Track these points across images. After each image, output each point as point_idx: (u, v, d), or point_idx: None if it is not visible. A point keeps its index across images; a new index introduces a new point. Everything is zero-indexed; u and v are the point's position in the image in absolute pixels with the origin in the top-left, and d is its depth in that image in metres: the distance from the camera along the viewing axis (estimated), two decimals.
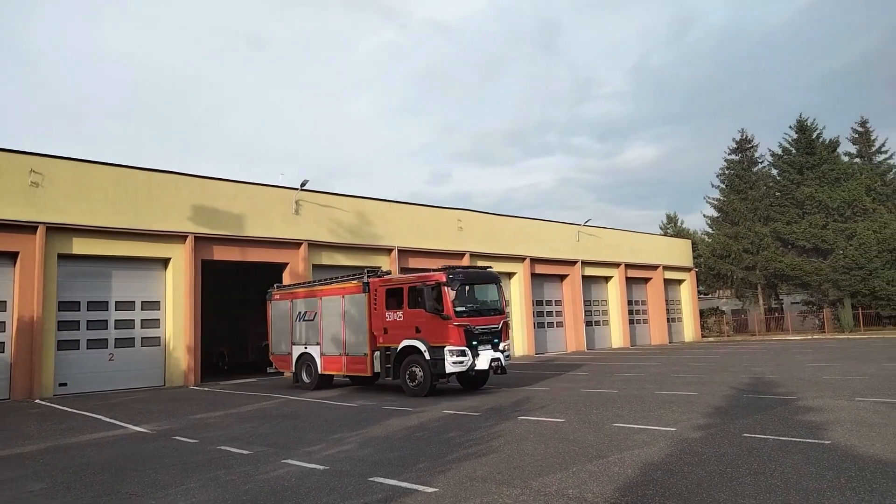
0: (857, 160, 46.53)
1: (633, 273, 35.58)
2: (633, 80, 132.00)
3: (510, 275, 29.29)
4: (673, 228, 63.75)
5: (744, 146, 47.99)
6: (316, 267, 23.27)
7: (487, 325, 14.69)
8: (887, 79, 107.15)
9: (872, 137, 47.20)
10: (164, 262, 20.14)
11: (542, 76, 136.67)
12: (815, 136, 43.82)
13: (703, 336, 40.80)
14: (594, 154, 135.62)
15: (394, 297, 15.56)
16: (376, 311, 15.71)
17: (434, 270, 15.32)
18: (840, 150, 44.80)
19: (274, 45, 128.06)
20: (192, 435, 10.19)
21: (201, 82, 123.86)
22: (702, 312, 42.89)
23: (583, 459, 7.12)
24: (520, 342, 28.58)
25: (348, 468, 7.26)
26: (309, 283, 18.89)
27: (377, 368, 15.48)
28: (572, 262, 31.97)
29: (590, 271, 33.03)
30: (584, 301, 32.44)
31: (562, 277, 32.13)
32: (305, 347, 17.54)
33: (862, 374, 14.81)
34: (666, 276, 37.71)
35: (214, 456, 8.36)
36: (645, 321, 37.02)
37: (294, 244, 22.74)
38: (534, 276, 30.08)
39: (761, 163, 47.67)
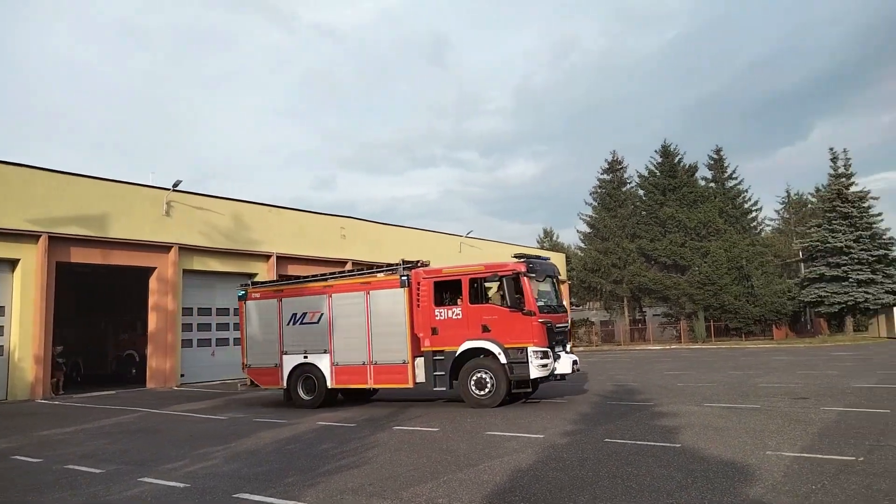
0: (713, 185, 50.89)
1: None
2: (516, 99, 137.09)
3: None
4: (549, 242, 66.57)
5: (615, 167, 51.11)
6: (187, 272, 22.12)
7: (562, 324, 13.50)
8: (739, 112, 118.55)
9: (726, 164, 51.85)
10: (12, 263, 18.30)
11: (430, 88, 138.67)
12: (676, 160, 47.59)
13: (574, 346, 42.83)
14: (478, 168, 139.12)
15: (447, 291, 13.51)
16: (420, 308, 13.32)
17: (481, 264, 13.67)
18: (698, 174, 48.94)
19: (151, 37, 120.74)
20: (35, 453, 9.30)
21: (64, 69, 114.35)
22: (574, 323, 45.07)
23: (454, 468, 7.23)
24: None
25: (212, 485, 6.91)
26: (308, 277, 15.57)
27: (420, 378, 13.08)
28: None
29: None
30: None
31: None
32: (305, 357, 14.35)
33: (710, 381, 16.12)
34: None
35: (61, 476, 7.67)
36: None
37: (163, 247, 21.47)
38: None
39: (630, 183, 50.99)
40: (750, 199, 50.23)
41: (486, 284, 13.25)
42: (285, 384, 14.60)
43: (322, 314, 14.31)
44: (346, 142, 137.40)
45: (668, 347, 38.89)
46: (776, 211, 59.84)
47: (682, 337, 43.22)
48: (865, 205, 40.08)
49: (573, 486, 6.26)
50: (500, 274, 12.92)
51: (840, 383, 14.45)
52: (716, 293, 41.56)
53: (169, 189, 21.78)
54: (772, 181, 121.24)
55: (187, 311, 22.45)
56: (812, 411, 10.47)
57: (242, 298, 15.50)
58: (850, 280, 38.29)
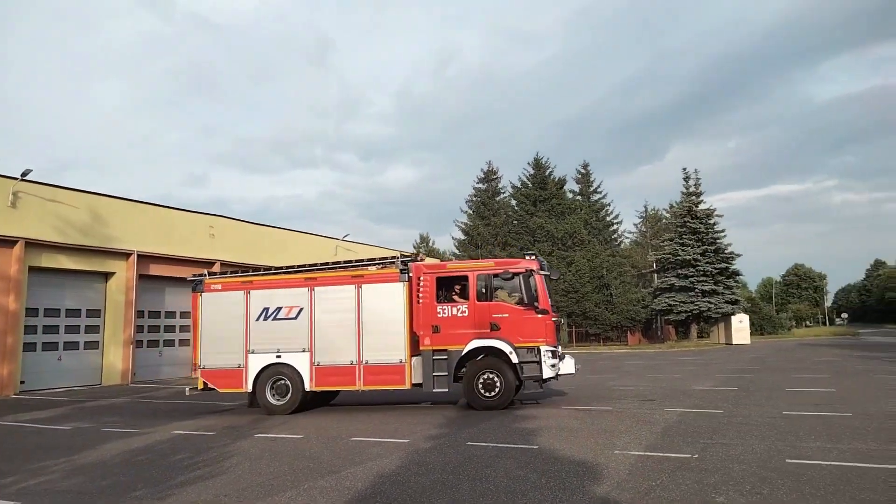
0: (579, 198, 53.82)
1: None
2: (398, 105, 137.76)
3: None
4: (425, 248, 67.36)
5: (490, 177, 52.69)
6: (33, 269, 20.11)
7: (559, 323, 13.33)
8: (605, 131, 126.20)
9: (592, 179, 55.05)
10: None
11: (312, 88, 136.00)
12: (548, 173, 49.90)
13: None
14: (358, 171, 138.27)
15: (451, 287, 13.00)
16: (420, 305, 12.67)
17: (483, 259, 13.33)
18: (566, 187, 51.57)
19: (6, 15, 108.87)
20: None
21: None
22: None
23: (316, 476, 7.10)
24: None
25: (46, 502, 6.32)
26: (284, 269, 13.97)
27: (416, 379, 12.47)
28: None
29: None
30: None
31: None
32: (277, 356, 12.99)
33: (569, 385, 16.97)
34: None
35: None
36: None
37: (7, 242, 19.40)
38: None
39: (504, 193, 52.77)
40: (612, 212, 53.68)
41: (496, 281, 12.76)
42: (250, 387, 13.06)
43: (301, 309, 13.07)
44: (222, 138, 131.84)
45: None
46: (635, 224, 64.45)
47: None
48: (711, 221, 44.06)
49: (434, 490, 6.35)
50: (511, 271, 12.63)
51: (683, 386, 15.75)
52: (578, 300, 43.96)
53: (16, 178, 19.71)
54: (632, 196, 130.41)
55: (32, 312, 20.40)
56: (657, 412, 11.32)
57: (197, 290, 13.65)
58: (696, 290, 41.93)
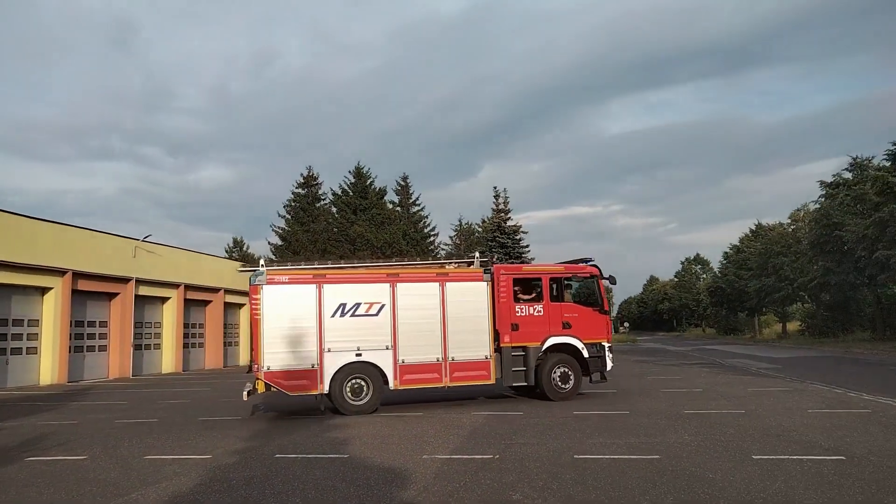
0: (399, 208, 54.74)
1: (193, 295, 34.37)
2: (213, 101, 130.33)
3: (43, 290, 25.07)
4: (239, 253, 64.22)
5: (310, 182, 51.74)
6: None
7: None
8: (425, 145, 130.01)
9: (411, 191, 56.26)
10: None
11: (111, 73, 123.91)
12: (368, 182, 50.17)
13: None
14: (165, 168, 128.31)
15: (525, 289, 13.90)
16: (500, 304, 13.39)
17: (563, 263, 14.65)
18: (387, 198, 52.22)
19: None
20: None
21: None
22: None
23: (99, 501, 6.40)
24: (49, 369, 24.53)
25: None
26: (359, 264, 12.42)
27: (498, 374, 13.19)
28: (125, 280, 29.18)
29: (145, 291, 30.64)
30: (136, 323, 29.85)
31: (111, 296, 28.99)
32: (357, 354, 12.42)
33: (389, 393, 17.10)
34: (227, 300, 37.56)
35: None
36: (201, 345, 36.03)
37: None
38: (76, 292, 26.37)
39: (324, 200, 52.07)
40: (430, 224, 55.28)
41: (566, 284, 14.26)
42: (327, 388, 12.28)
43: (383, 305, 12.70)
44: None
45: None
46: (450, 237, 66.78)
47: None
48: (518, 237, 47.19)
49: None
50: (579, 275, 14.27)
51: (492, 390, 16.56)
52: None
53: None
54: (448, 210, 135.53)
55: None
56: (465, 416, 11.82)
57: (258, 282, 12.24)
58: None
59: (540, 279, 14.00)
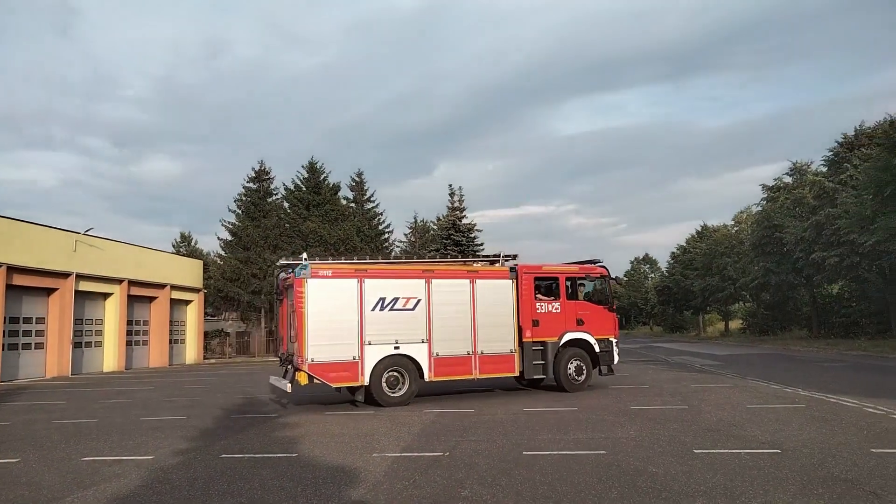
0: (353, 205, 54.24)
1: (137, 291, 33.33)
2: (161, 91, 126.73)
3: None
4: (186, 248, 62.66)
5: (262, 176, 50.74)
6: None
7: None
8: (381, 142, 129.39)
9: (365, 188, 55.79)
10: None
11: (51, 58, 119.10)
12: (322, 178, 49.55)
13: (205, 358, 40.85)
14: (109, 159, 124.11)
15: (545, 287, 14.87)
16: (523, 301, 14.29)
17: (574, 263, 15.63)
18: (341, 194, 51.66)
19: None
20: None
21: None
22: (206, 334, 43.03)
23: None
24: None
25: None
26: (394, 261, 13.94)
27: (520, 367, 14.07)
28: (65, 275, 28.09)
29: (86, 286, 29.56)
30: (76, 319, 28.76)
31: (49, 291, 27.86)
32: (396, 347, 12.91)
33: (326, 392, 16.93)
34: (173, 296, 36.59)
35: None
36: (145, 343, 34.98)
37: None
38: (11, 287, 25.22)
39: (276, 195, 51.15)
40: (384, 221, 54.96)
41: (580, 283, 15.30)
42: (367, 380, 12.64)
43: (419, 300, 13.28)
44: None
45: None
46: (405, 234, 66.59)
47: None
48: (472, 235, 47.32)
49: None
50: (592, 275, 15.29)
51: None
52: None
53: None
54: (403, 207, 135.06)
55: None
56: (416, 414, 11.80)
57: (303, 275, 12.41)
58: None
59: (557, 279, 14.95)
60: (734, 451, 7.91)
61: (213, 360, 41.00)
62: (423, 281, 13.44)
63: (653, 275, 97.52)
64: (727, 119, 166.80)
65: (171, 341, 36.58)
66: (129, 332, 32.77)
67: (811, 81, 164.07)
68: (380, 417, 11.52)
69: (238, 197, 50.19)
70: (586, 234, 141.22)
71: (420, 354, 13.17)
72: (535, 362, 14.21)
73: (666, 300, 69.42)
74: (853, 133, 40.21)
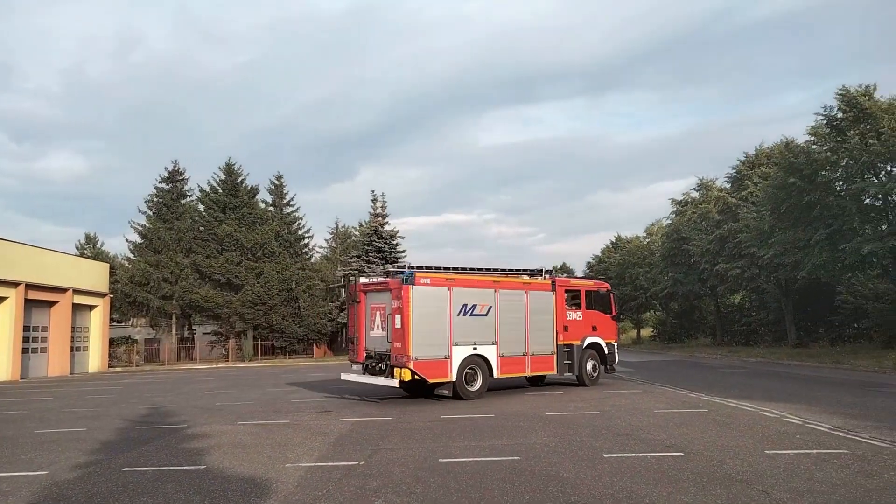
0: (272, 208, 53.01)
1: (35, 295, 31.22)
2: (66, 84, 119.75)
3: None
4: (91, 250, 59.30)
5: (175, 177, 48.76)
6: None
7: None
8: (299, 145, 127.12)
9: (285, 191, 54.61)
10: None
11: None
12: (239, 180, 48.10)
13: (110, 366, 38.68)
14: (7, 154, 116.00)
15: (571, 298, 17.66)
16: (558, 310, 16.83)
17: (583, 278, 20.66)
18: (259, 197, 50.32)
19: None
20: None
21: None
22: (112, 341, 40.77)
23: None
24: None
25: None
26: (468, 269, 16.03)
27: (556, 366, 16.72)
28: None
29: None
30: None
31: None
32: (474, 348, 14.90)
33: (249, 399, 16.47)
34: (76, 301, 34.48)
35: None
36: (44, 350, 32.76)
37: None
38: None
39: (190, 196, 49.27)
40: (304, 226, 53.95)
41: (592, 295, 18.24)
42: (454, 377, 14.47)
43: (490, 307, 15.32)
44: None
45: (215, 367, 38.46)
46: (325, 240, 65.65)
47: (230, 356, 43.35)
48: (395, 242, 47.22)
49: None
50: (602, 289, 18.64)
51: (359, 390, 16.45)
52: (265, 312, 43.11)
53: None
54: (325, 213, 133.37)
55: None
56: (333, 423, 11.63)
57: (409, 283, 14.05)
58: None
59: (580, 291, 18.02)
60: (641, 454, 8.24)
61: (118, 369, 38.89)
62: (493, 290, 15.55)
63: None
64: (640, 135, 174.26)
65: (72, 349, 34.43)
66: (25, 339, 30.62)
67: (717, 103, 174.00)
68: (295, 427, 11.27)
69: (149, 198, 48.04)
70: (506, 243, 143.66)
71: (491, 354, 15.26)
72: (564, 361, 16.89)
73: None
74: (754, 152, 42.89)
